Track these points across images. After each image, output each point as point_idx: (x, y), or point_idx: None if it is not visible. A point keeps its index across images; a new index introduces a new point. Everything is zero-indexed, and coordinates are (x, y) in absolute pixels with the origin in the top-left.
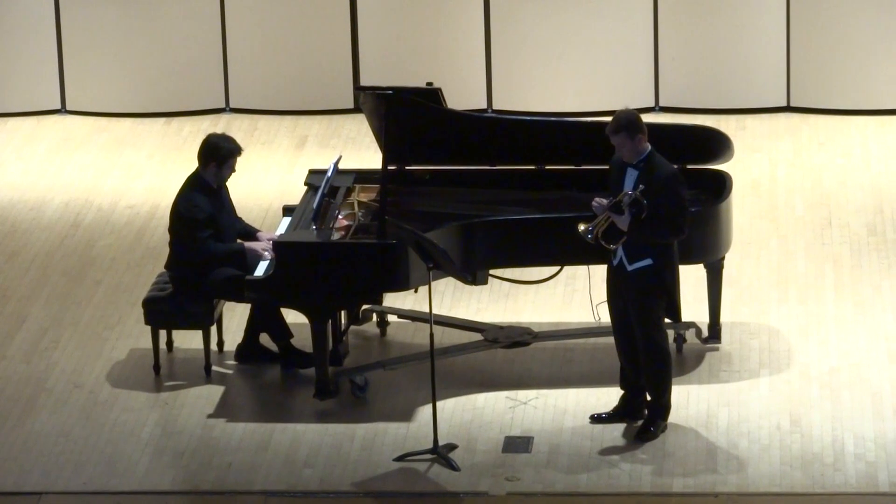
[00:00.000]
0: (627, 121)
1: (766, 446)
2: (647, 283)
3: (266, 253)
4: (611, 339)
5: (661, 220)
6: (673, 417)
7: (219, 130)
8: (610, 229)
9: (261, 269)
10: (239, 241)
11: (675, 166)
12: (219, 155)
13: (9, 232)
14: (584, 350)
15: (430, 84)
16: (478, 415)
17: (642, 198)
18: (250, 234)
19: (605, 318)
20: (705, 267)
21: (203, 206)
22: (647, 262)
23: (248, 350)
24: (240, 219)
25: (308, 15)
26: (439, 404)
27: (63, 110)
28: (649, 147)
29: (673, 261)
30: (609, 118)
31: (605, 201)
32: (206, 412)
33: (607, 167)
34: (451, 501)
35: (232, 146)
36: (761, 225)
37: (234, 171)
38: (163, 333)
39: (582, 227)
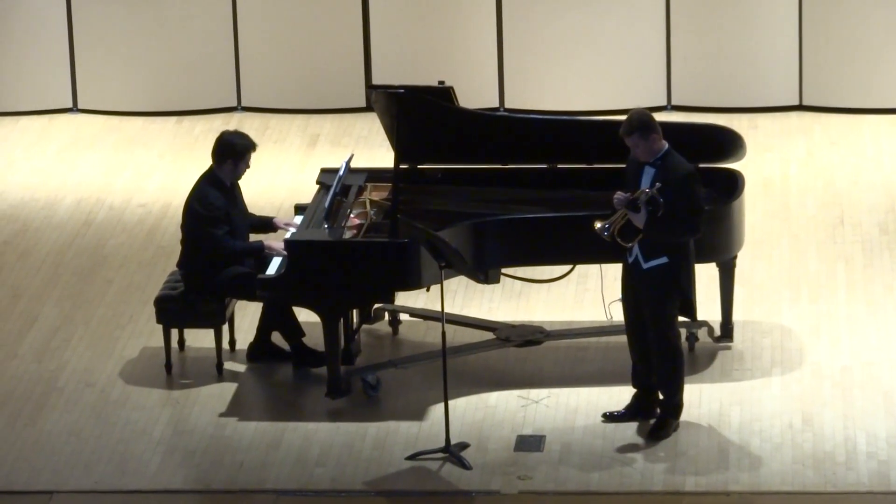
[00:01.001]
0: (639, 122)
1: (779, 445)
2: (662, 282)
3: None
4: (623, 338)
5: (677, 219)
6: (685, 416)
7: (230, 129)
8: (626, 227)
9: (273, 268)
10: (258, 239)
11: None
12: (235, 152)
13: (20, 230)
14: (597, 349)
15: (442, 83)
16: (490, 413)
17: (659, 196)
18: (265, 223)
19: (617, 316)
20: (717, 266)
21: (218, 203)
22: (663, 260)
23: (260, 349)
24: (251, 214)
25: (320, 13)
26: (451, 403)
27: (74, 109)
28: (666, 145)
29: (688, 259)
30: (621, 117)
31: (625, 195)
32: (218, 411)
33: (619, 166)
34: (463, 500)
35: (247, 142)
36: (773, 224)
37: (248, 167)
38: (174, 332)
39: (598, 225)
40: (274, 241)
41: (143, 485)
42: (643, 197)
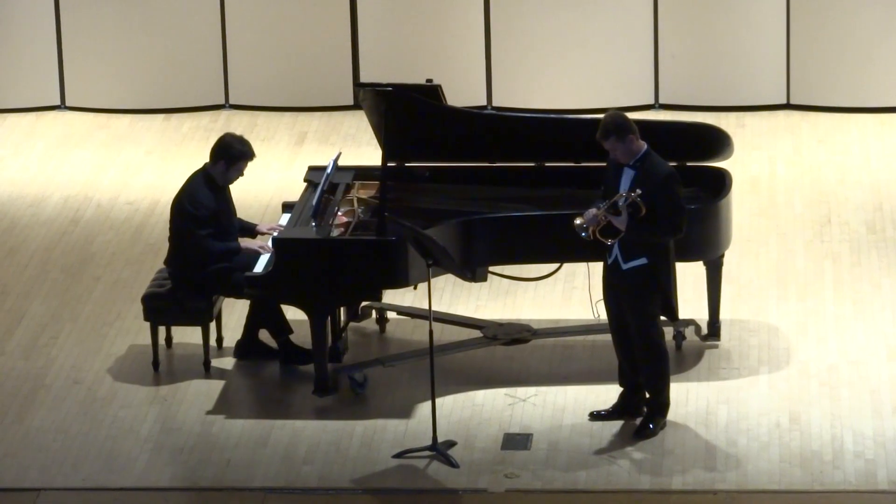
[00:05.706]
0: (615, 124)
1: (766, 444)
2: (642, 282)
3: (263, 250)
4: (610, 337)
5: (659, 220)
6: (672, 415)
7: (218, 127)
8: (606, 227)
9: (260, 266)
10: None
11: (672, 164)
12: (229, 154)
13: (8, 228)
14: (584, 347)
15: (429, 81)
16: (477, 412)
17: (639, 198)
18: (248, 229)
19: (604, 315)
20: (705, 264)
21: (207, 202)
22: (643, 261)
23: (248, 346)
24: (240, 219)
25: (308, 11)
26: (438, 401)
27: (62, 106)
28: (645, 146)
29: (668, 259)
30: None
31: (603, 205)
32: (205, 408)
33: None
34: (450, 498)
35: (245, 149)
36: (761, 222)
37: (241, 174)
38: (162, 330)
39: (577, 222)
40: (250, 241)
41: (131, 482)
42: (622, 201)
